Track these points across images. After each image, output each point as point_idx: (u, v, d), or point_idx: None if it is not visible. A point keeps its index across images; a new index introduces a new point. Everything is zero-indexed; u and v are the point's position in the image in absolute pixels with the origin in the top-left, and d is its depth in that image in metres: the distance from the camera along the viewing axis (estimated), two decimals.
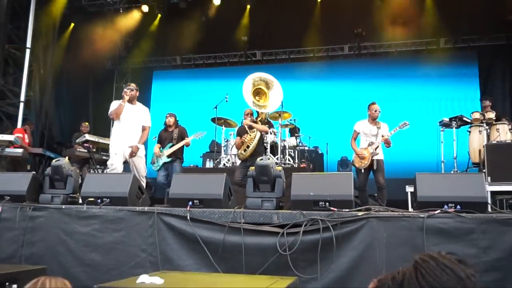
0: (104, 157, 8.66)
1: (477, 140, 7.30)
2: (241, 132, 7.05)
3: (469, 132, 7.58)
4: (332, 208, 3.69)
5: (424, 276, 1.04)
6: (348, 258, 3.51)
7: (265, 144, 7.80)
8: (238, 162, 7.56)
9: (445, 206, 3.53)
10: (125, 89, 6.20)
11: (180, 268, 3.78)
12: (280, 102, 7.53)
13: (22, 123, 9.98)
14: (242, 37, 12.62)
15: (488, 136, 7.24)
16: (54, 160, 4.88)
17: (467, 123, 7.59)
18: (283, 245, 3.55)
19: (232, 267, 3.68)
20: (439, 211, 3.49)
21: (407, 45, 12.30)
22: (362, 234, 3.54)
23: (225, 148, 9.09)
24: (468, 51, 12.05)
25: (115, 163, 5.98)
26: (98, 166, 8.48)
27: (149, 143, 8.60)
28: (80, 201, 4.45)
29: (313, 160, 9.27)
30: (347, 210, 3.69)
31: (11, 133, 8.74)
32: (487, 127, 7.33)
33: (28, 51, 10.65)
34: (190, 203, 4.03)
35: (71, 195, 4.61)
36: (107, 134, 12.70)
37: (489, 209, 3.87)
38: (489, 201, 4.68)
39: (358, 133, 7.00)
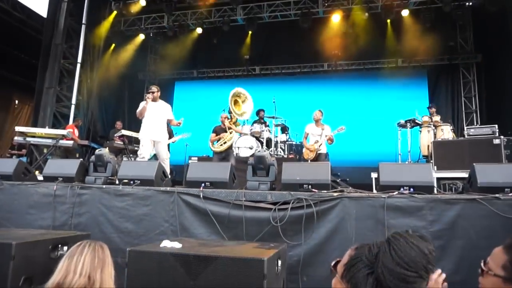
0: (136, 148, 8.63)
1: (426, 138, 7.28)
2: (218, 130, 7.26)
3: (420, 131, 7.56)
4: (313, 189, 3.67)
5: (396, 251, 1.01)
6: (325, 229, 3.48)
7: (261, 139, 7.78)
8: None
9: (402, 189, 3.51)
10: (146, 94, 6.17)
11: (194, 236, 3.75)
12: (250, 112, 7.85)
13: (73, 121, 9.95)
14: (244, 55, 12.58)
15: (435, 134, 7.22)
16: (97, 150, 4.84)
17: (418, 124, 7.56)
18: (275, 218, 3.52)
19: (235, 235, 3.65)
20: (396, 192, 3.46)
21: (372, 64, 12.29)
22: (336, 210, 3.51)
23: None
24: (419, 69, 12.02)
25: (143, 152, 5.92)
26: (131, 155, 8.44)
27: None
28: (117, 182, 4.41)
29: (299, 152, 9.19)
30: (325, 191, 3.66)
31: (64, 129, 8.69)
32: (434, 128, 7.31)
33: (78, 65, 10.64)
34: (203, 184, 4.00)
35: (110, 177, 4.57)
36: (137, 130, 12.73)
37: (435, 191, 3.85)
38: (435, 185, 4.66)
39: (308, 134, 7.31)
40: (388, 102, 11.66)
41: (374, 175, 6.32)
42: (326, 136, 7.06)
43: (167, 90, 14.10)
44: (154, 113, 6.09)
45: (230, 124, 7.50)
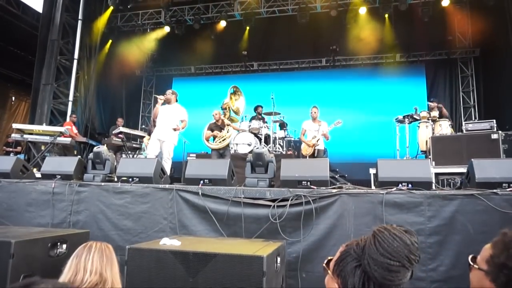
0: (134, 145, 8.61)
1: (424, 133, 7.28)
2: (213, 127, 7.19)
3: (418, 127, 7.55)
4: (312, 186, 3.68)
5: (380, 243, 1.05)
6: (324, 225, 3.49)
7: (259, 136, 7.79)
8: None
9: (400, 185, 3.51)
10: (158, 96, 6.48)
11: (193, 233, 3.76)
12: (243, 109, 8.02)
13: (69, 118, 9.93)
14: (242, 51, 12.54)
15: (433, 130, 7.23)
16: (95, 147, 4.83)
17: (416, 120, 7.56)
18: (274, 215, 3.53)
19: (234, 232, 3.66)
20: (395, 188, 3.47)
21: (370, 59, 12.28)
22: (335, 206, 3.52)
23: None
24: (417, 64, 12.03)
25: (148, 151, 6.14)
26: (129, 152, 8.43)
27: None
28: (116, 179, 4.41)
29: (297, 148, 9.21)
30: (324, 188, 3.66)
31: (62, 126, 8.67)
32: (432, 123, 7.32)
33: (75, 61, 10.56)
34: (202, 181, 4.00)
35: (108, 175, 4.57)
36: (136, 127, 12.72)
37: (433, 187, 3.86)
38: (433, 180, 4.68)
39: (306, 130, 7.36)
40: (386, 97, 11.66)
41: (372, 171, 6.32)
42: (322, 132, 7.13)
43: (165, 87, 14.04)
44: (165, 115, 6.32)
45: (227, 119, 7.51)
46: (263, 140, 7.80)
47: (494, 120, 6.91)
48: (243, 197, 3.72)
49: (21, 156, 7.96)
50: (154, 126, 7.86)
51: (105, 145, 6.56)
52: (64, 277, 1.64)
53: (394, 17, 11.05)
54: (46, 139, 7.52)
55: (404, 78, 11.87)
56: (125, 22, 12.51)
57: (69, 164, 4.65)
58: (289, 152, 8.18)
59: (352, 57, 12.29)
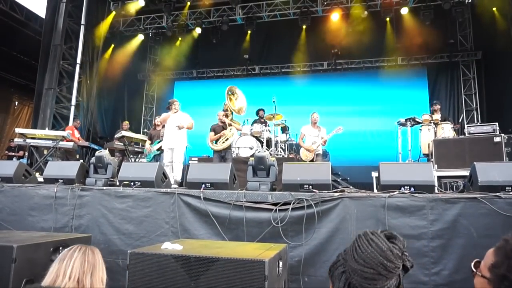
0: (136, 149, 8.62)
1: (426, 136, 7.26)
2: (217, 129, 7.20)
3: (420, 130, 7.53)
4: (314, 190, 3.67)
5: (356, 248, 1.06)
6: (326, 229, 3.48)
7: (261, 139, 7.79)
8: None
9: (402, 188, 3.50)
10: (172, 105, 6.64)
11: (195, 237, 3.76)
12: (245, 107, 7.83)
13: (72, 122, 9.96)
14: (244, 55, 12.58)
15: (435, 133, 7.21)
16: (97, 152, 4.84)
17: (418, 123, 7.54)
18: (276, 219, 3.52)
19: (236, 236, 3.65)
20: (397, 192, 3.46)
21: (371, 62, 12.28)
22: (337, 210, 3.51)
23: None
24: (419, 67, 12.02)
25: (164, 161, 6.35)
26: (131, 156, 8.44)
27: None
28: (118, 183, 4.41)
29: (299, 152, 9.22)
30: (326, 191, 3.65)
31: (64, 130, 8.70)
32: (434, 126, 7.30)
33: (78, 66, 10.63)
34: (203, 185, 4.00)
35: (110, 179, 4.58)
36: (138, 131, 12.75)
37: (436, 190, 3.84)
38: (436, 184, 4.66)
39: (304, 135, 7.37)
40: (388, 100, 11.66)
41: (374, 174, 6.31)
42: (322, 138, 7.17)
43: (167, 90, 14.12)
44: (172, 123, 6.46)
45: (229, 120, 7.49)
46: (264, 144, 7.79)
47: (497, 123, 6.88)
48: (244, 201, 3.71)
49: (24, 161, 8.00)
50: (154, 129, 7.92)
51: (107, 149, 6.56)
52: (45, 281, 1.62)
53: (396, 21, 11.07)
54: (49, 143, 7.54)
55: (406, 81, 11.86)
56: (127, 27, 12.59)
57: (71, 168, 4.66)
58: (291, 156, 8.17)
59: (354, 61, 12.30)
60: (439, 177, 5.98)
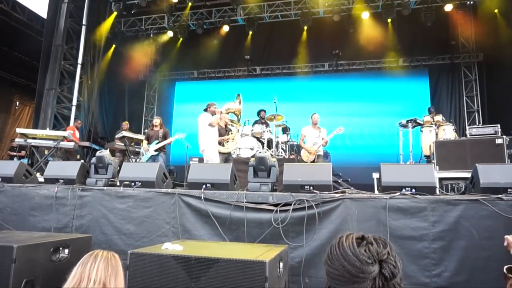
0: (137, 149, 8.62)
1: (428, 137, 7.24)
2: (220, 131, 7.06)
3: (422, 131, 7.51)
4: (315, 191, 3.66)
5: (329, 250, 1.09)
6: (327, 230, 3.47)
7: (262, 140, 7.79)
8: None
9: (403, 189, 3.50)
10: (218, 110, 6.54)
11: (196, 237, 3.76)
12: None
13: (73, 122, 9.98)
14: (245, 56, 12.58)
15: (437, 134, 7.20)
16: (98, 152, 4.84)
17: (420, 124, 7.53)
18: (277, 220, 3.52)
19: (237, 237, 3.65)
20: (398, 193, 3.45)
21: (373, 63, 12.27)
22: (338, 211, 3.50)
23: None
24: (421, 68, 12.01)
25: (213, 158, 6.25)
26: (132, 156, 8.44)
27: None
28: (118, 184, 4.41)
29: (300, 153, 9.21)
30: (327, 192, 3.65)
31: (65, 130, 8.71)
32: (435, 128, 7.29)
33: (79, 66, 10.65)
34: (204, 186, 4.00)
35: (111, 179, 4.58)
36: (139, 131, 12.76)
37: (437, 192, 3.84)
38: (437, 185, 4.65)
39: (305, 136, 7.35)
40: (389, 101, 11.65)
41: (375, 175, 6.30)
42: (323, 139, 7.14)
43: (168, 91, 14.13)
44: (199, 125, 6.42)
45: (231, 121, 7.47)
46: (265, 145, 7.78)
47: (498, 125, 6.87)
48: (245, 202, 3.71)
49: (25, 161, 8.00)
50: (152, 129, 7.88)
51: (108, 149, 6.56)
52: (67, 285, 1.64)
53: (397, 22, 11.07)
54: (50, 143, 7.55)
55: (407, 82, 11.85)
56: (129, 27, 12.61)
57: (72, 168, 4.67)
58: (291, 156, 8.16)
59: (355, 62, 12.29)
60: (441, 179, 5.97)
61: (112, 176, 4.60)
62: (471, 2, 10.63)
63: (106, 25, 11.55)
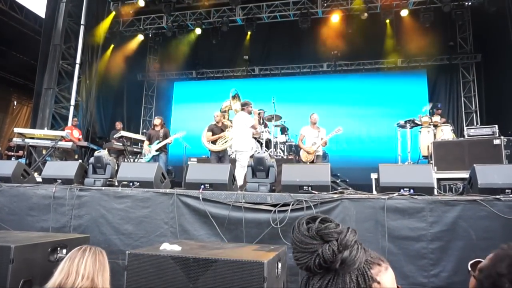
0: (135, 149, 8.61)
1: (426, 138, 7.26)
2: (215, 130, 7.05)
3: (420, 132, 7.53)
4: (313, 191, 3.67)
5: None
6: None
7: (261, 140, 7.79)
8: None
9: (402, 190, 3.51)
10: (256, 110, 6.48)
11: (194, 237, 3.75)
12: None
13: (71, 122, 9.96)
14: (244, 56, 12.59)
15: (435, 135, 7.22)
16: (96, 152, 4.83)
17: (418, 125, 7.55)
18: (275, 220, 3.52)
19: (235, 237, 3.65)
20: (396, 194, 3.46)
21: (371, 64, 12.30)
22: (337, 211, 3.51)
23: None
24: (419, 69, 12.04)
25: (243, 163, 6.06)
26: (130, 156, 8.42)
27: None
28: (116, 184, 4.40)
29: (298, 153, 9.22)
30: (325, 193, 3.65)
31: (63, 130, 8.68)
32: (434, 128, 7.31)
33: (77, 66, 10.60)
34: (202, 186, 3.99)
35: (109, 179, 4.57)
36: (137, 131, 12.74)
37: (435, 192, 3.85)
38: (435, 186, 4.66)
39: (304, 136, 7.33)
40: (387, 102, 11.67)
41: (374, 175, 6.31)
42: (322, 139, 7.11)
43: (166, 91, 14.12)
44: (234, 125, 6.28)
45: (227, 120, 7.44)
46: (264, 145, 7.78)
47: (496, 126, 6.89)
48: (244, 202, 3.71)
49: (23, 161, 7.98)
50: (153, 129, 7.85)
51: (107, 149, 6.55)
52: (55, 279, 1.62)
53: (395, 23, 11.09)
54: (48, 143, 7.52)
55: (406, 83, 11.88)
56: (127, 27, 12.60)
57: (70, 168, 4.66)
58: (290, 157, 8.17)
59: (353, 62, 12.32)
60: (439, 179, 5.98)
61: (110, 176, 4.59)
62: (469, 3, 10.66)
63: (104, 25, 11.53)
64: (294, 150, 8.85)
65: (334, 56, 11.76)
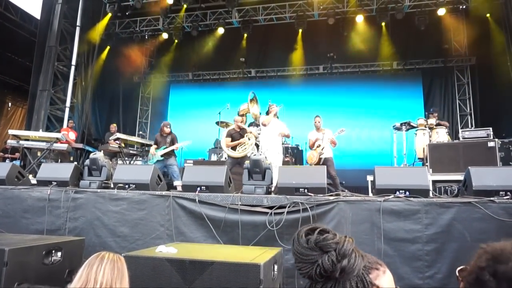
0: (131, 151, 8.58)
1: (421, 140, 7.29)
2: (234, 135, 6.87)
3: (416, 134, 7.57)
4: (309, 193, 3.67)
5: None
6: None
7: (257, 142, 7.77)
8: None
9: (397, 192, 3.52)
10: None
11: (190, 240, 3.74)
12: (259, 116, 7.45)
13: (67, 124, 9.90)
14: (240, 58, 12.60)
15: (430, 137, 7.26)
16: (91, 154, 4.81)
17: (413, 127, 7.59)
18: (271, 222, 3.52)
19: (231, 239, 3.64)
20: (392, 196, 3.47)
21: (367, 66, 12.36)
22: (333, 213, 3.51)
23: None
24: (414, 72, 12.11)
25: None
26: (126, 158, 8.39)
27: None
28: (112, 186, 4.39)
29: (294, 155, 9.21)
30: (321, 195, 3.66)
31: (59, 132, 8.64)
32: (429, 130, 7.35)
33: (73, 68, 10.56)
34: (198, 188, 3.99)
35: (105, 181, 4.54)
36: (133, 133, 12.71)
37: (431, 195, 3.87)
38: (431, 188, 4.68)
39: (311, 140, 7.28)
40: (383, 104, 11.72)
41: (370, 178, 6.33)
42: (328, 139, 7.00)
43: (162, 93, 14.09)
44: (269, 131, 6.32)
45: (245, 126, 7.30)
46: (260, 147, 7.78)
47: (491, 128, 6.95)
48: (240, 204, 3.71)
49: (17, 162, 7.93)
50: (161, 135, 7.70)
51: (102, 151, 6.52)
52: (73, 285, 1.62)
53: (391, 25, 11.16)
54: (43, 145, 7.49)
55: (401, 85, 11.95)
56: (123, 29, 12.58)
57: (65, 170, 4.63)
58: (286, 159, 8.17)
59: (349, 65, 12.37)
60: (434, 181, 6.02)
61: (106, 178, 4.56)
62: (464, 7, 10.75)
63: (100, 27, 11.49)
64: (291, 153, 8.86)
65: (330, 58, 11.80)
